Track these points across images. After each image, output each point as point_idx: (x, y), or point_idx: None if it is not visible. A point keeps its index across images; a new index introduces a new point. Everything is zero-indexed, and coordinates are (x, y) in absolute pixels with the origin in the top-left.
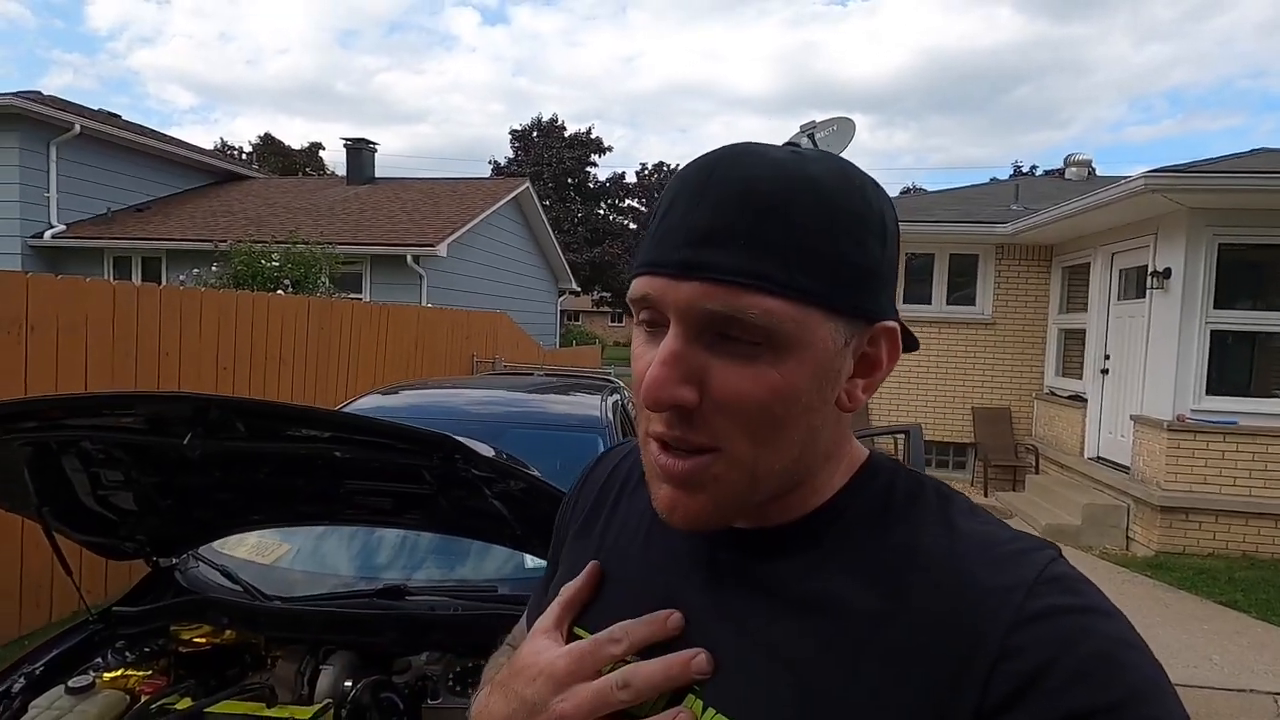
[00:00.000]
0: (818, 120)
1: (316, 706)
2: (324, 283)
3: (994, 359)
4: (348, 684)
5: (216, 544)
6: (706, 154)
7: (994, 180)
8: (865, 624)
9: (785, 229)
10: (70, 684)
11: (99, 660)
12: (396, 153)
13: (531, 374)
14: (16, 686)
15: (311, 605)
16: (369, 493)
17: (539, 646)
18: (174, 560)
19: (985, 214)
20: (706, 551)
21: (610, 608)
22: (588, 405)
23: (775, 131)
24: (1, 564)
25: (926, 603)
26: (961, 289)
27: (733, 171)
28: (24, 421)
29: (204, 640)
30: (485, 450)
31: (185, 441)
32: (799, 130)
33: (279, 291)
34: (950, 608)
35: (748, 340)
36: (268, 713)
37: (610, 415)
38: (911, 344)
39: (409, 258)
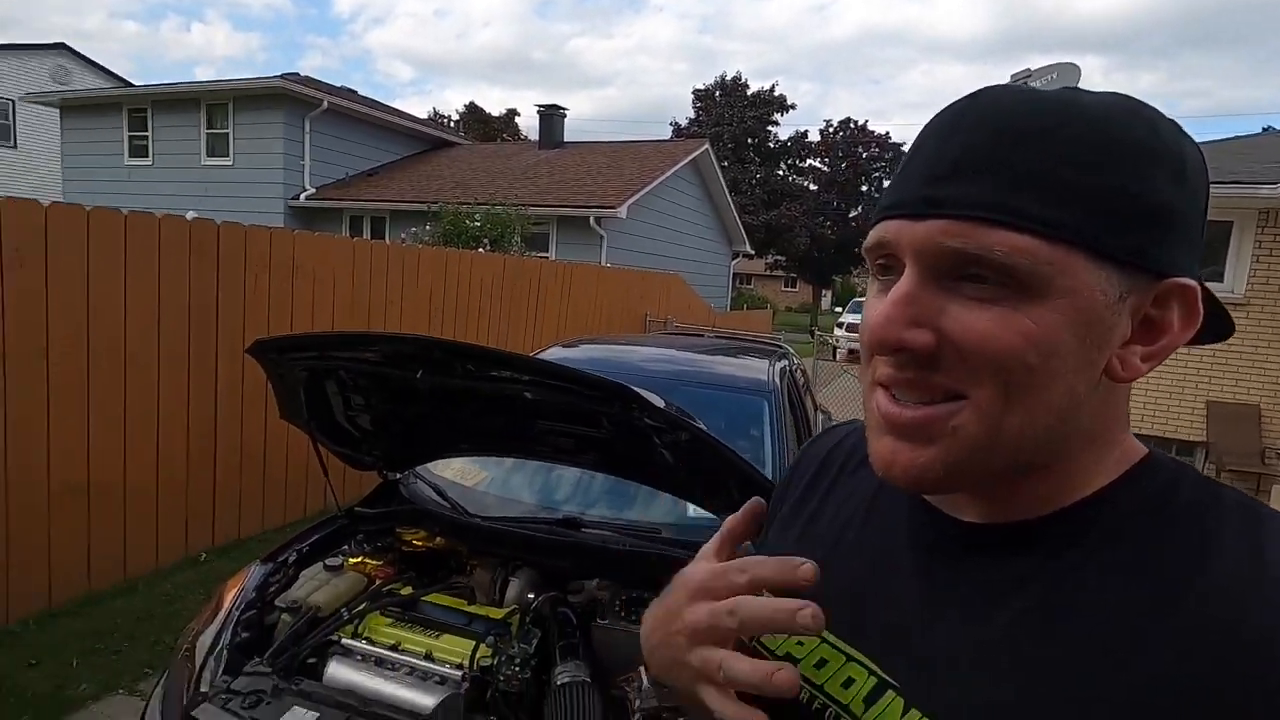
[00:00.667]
0: (1032, 69)
1: (506, 610)
2: (516, 241)
3: (1243, 347)
4: (530, 596)
5: (431, 465)
6: (960, 97)
7: (1269, 130)
8: (1124, 649)
9: (1044, 157)
10: (327, 562)
11: (346, 547)
12: (584, 117)
13: (702, 335)
14: (291, 559)
15: (506, 525)
16: (555, 433)
17: (694, 565)
18: (399, 475)
19: (1247, 172)
20: (930, 536)
21: (816, 594)
22: (755, 369)
23: (983, 80)
24: (276, 466)
25: (1210, 646)
26: (1205, 262)
27: (988, 105)
28: (302, 351)
29: (420, 544)
30: (657, 402)
31: (418, 375)
32: (1009, 80)
33: (479, 249)
34: (1241, 665)
35: (995, 282)
36: (468, 608)
37: (777, 380)
38: (1222, 322)
39: (591, 219)
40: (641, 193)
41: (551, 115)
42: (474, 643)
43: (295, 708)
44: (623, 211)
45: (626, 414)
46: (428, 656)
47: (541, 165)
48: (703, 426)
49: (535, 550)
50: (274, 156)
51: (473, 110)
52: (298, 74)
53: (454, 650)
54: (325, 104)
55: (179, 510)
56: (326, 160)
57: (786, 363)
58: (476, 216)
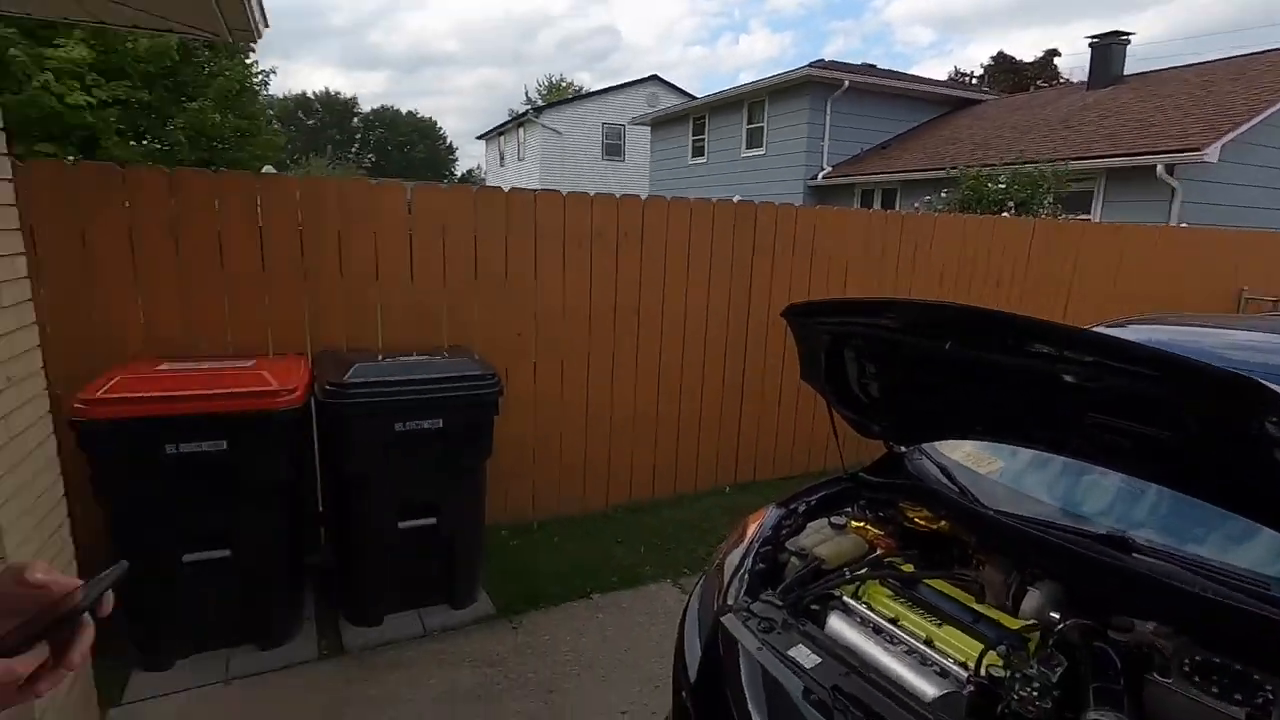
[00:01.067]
0: None
1: (1025, 622)
2: (1048, 203)
3: None
4: (1054, 615)
5: (940, 444)
6: None
7: None
8: None
9: None
10: (832, 519)
11: (849, 509)
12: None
13: None
14: (800, 508)
15: (1028, 526)
16: (1109, 429)
17: None
18: (905, 448)
19: None
20: None
21: None
22: None
23: None
24: (788, 421)
25: None
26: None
27: None
28: (829, 316)
29: (923, 523)
30: None
31: (946, 346)
32: None
33: (1003, 214)
34: None
35: None
36: (977, 606)
37: None
38: None
39: (1159, 168)
40: (1244, 127)
41: (1107, 46)
42: (983, 646)
43: (801, 645)
44: (1212, 154)
45: (1242, 418)
46: (928, 642)
47: (1088, 110)
48: None
49: (1062, 561)
50: (798, 141)
51: (1000, 61)
52: (822, 60)
53: (958, 646)
54: (846, 84)
55: (712, 447)
56: (842, 138)
57: None
58: (1001, 178)
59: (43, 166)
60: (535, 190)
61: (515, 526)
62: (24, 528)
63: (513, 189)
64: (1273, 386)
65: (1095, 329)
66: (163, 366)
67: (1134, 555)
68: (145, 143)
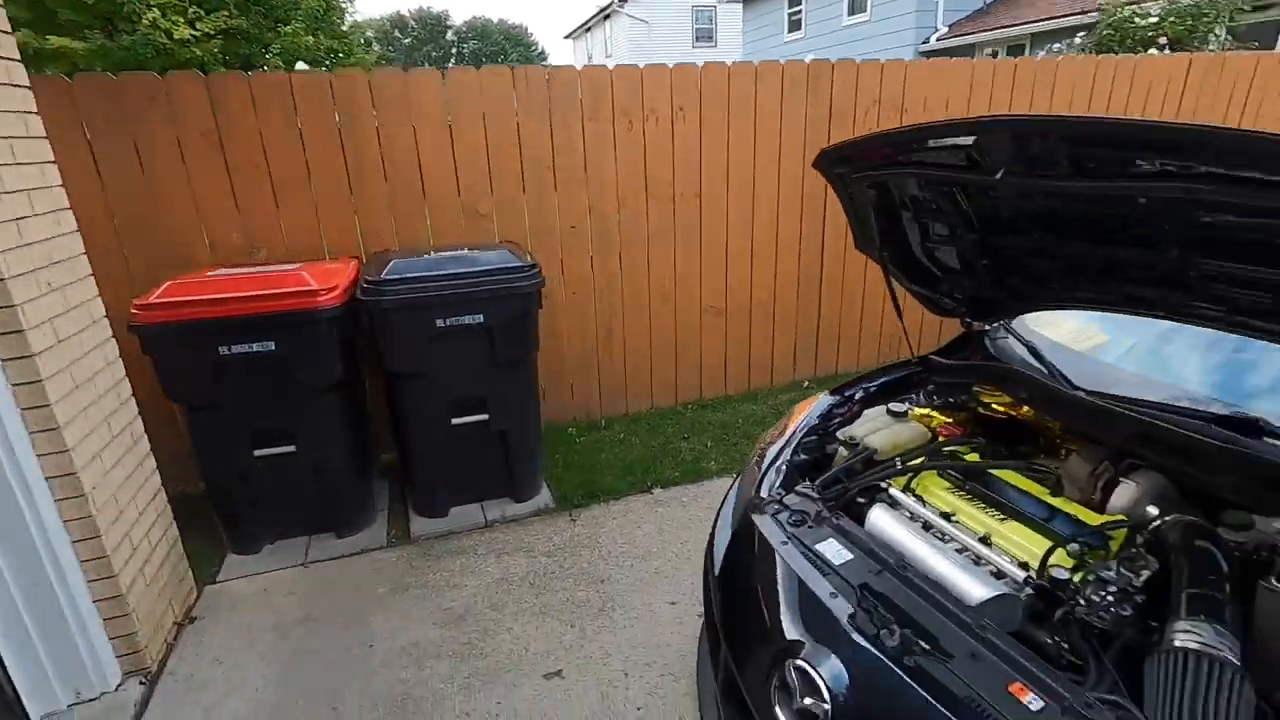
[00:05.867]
0: None
1: (1109, 518)
2: (1215, 36)
3: None
4: (1151, 510)
5: (1030, 320)
6: None
7: None
8: None
9: None
10: (891, 406)
11: (913, 396)
12: None
13: None
14: (857, 395)
15: (1124, 407)
16: (1239, 280)
17: None
18: (986, 326)
19: None
20: None
21: None
22: None
23: None
24: (871, 310)
25: None
26: None
27: None
28: (865, 155)
29: (1001, 409)
30: None
31: (998, 177)
32: None
33: (1150, 52)
34: None
35: None
36: (1052, 500)
37: None
38: None
39: None
40: None
41: None
42: (1051, 544)
43: (831, 540)
44: None
45: None
46: (984, 540)
47: None
48: None
49: (1169, 449)
50: (907, 1)
51: None
52: None
53: (1021, 544)
54: None
55: (789, 339)
56: None
57: None
58: (1152, 12)
59: (88, 79)
60: (579, 67)
61: (582, 424)
62: (86, 424)
63: (554, 67)
64: None
65: None
66: (215, 272)
67: (1266, 440)
68: (249, 73)
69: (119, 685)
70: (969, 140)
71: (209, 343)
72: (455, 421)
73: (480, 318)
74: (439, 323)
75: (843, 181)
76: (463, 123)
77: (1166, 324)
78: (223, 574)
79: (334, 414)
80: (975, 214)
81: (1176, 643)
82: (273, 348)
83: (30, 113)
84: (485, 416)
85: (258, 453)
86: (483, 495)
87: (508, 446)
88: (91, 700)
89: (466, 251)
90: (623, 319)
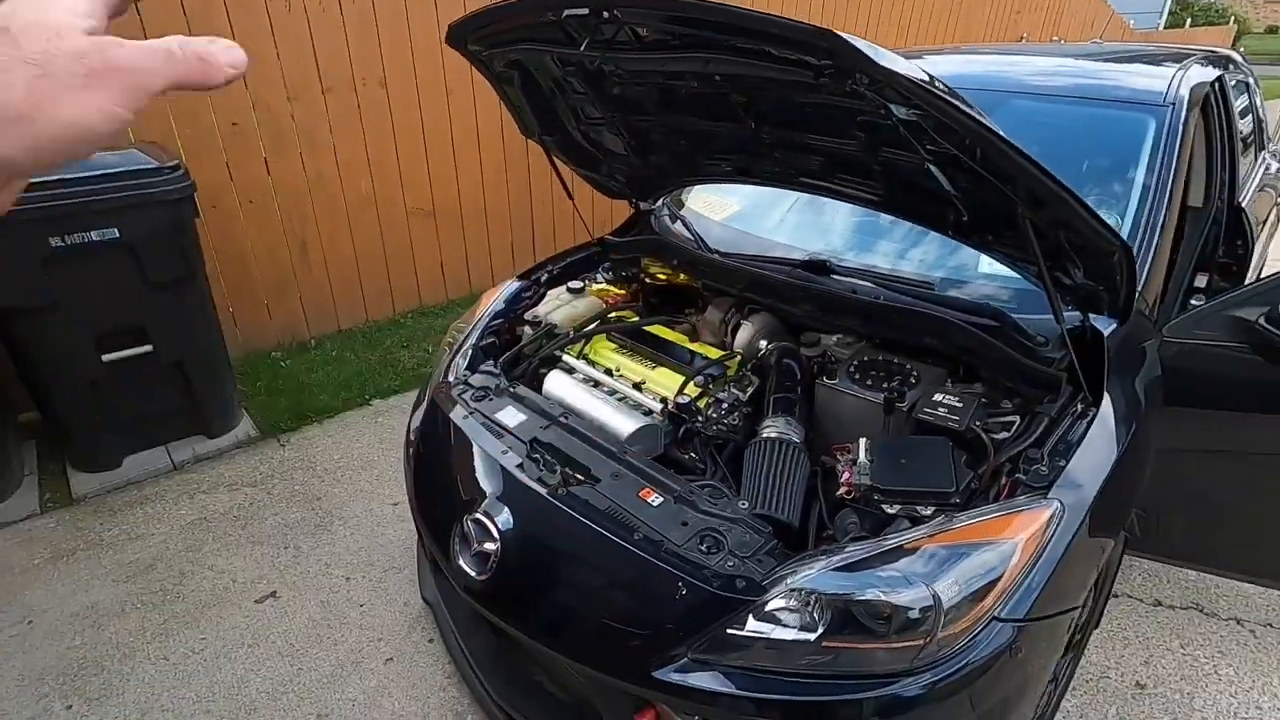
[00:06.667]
0: None
1: (725, 353)
2: None
3: None
4: (763, 344)
5: (688, 199)
6: None
7: None
8: None
9: None
10: (570, 285)
11: (593, 275)
12: None
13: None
14: (542, 278)
15: (742, 263)
16: (795, 145)
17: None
18: (651, 204)
19: None
20: None
21: None
22: (1148, 76)
23: None
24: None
25: None
26: None
27: None
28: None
29: (662, 276)
30: (906, 69)
31: (581, 49)
32: None
33: None
34: None
35: None
36: (689, 345)
37: (1183, 91)
38: None
39: None
40: None
41: None
42: (683, 379)
43: (509, 407)
44: None
45: (865, 97)
46: (638, 386)
47: None
48: (993, 125)
49: (770, 292)
50: None
51: None
52: None
53: (665, 384)
54: None
55: (505, 237)
56: None
57: (1216, 72)
58: None
59: None
60: None
61: (288, 346)
62: None
63: None
64: (864, 43)
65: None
66: None
67: (832, 276)
68: None
69: None
70: (558, 16)
71: None
72: (107, 358)
73: (115, 232)
74: (54, 241)
75: (480, 60)
76: None
77: (771, 189)
78: None
79: None
80: (607, 94)
81: (763, 435)
82: None
83: None
84: (149, 348)
85: None
86: (166, 437)
87: (188, 378)
88: None
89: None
90: (318, 228)
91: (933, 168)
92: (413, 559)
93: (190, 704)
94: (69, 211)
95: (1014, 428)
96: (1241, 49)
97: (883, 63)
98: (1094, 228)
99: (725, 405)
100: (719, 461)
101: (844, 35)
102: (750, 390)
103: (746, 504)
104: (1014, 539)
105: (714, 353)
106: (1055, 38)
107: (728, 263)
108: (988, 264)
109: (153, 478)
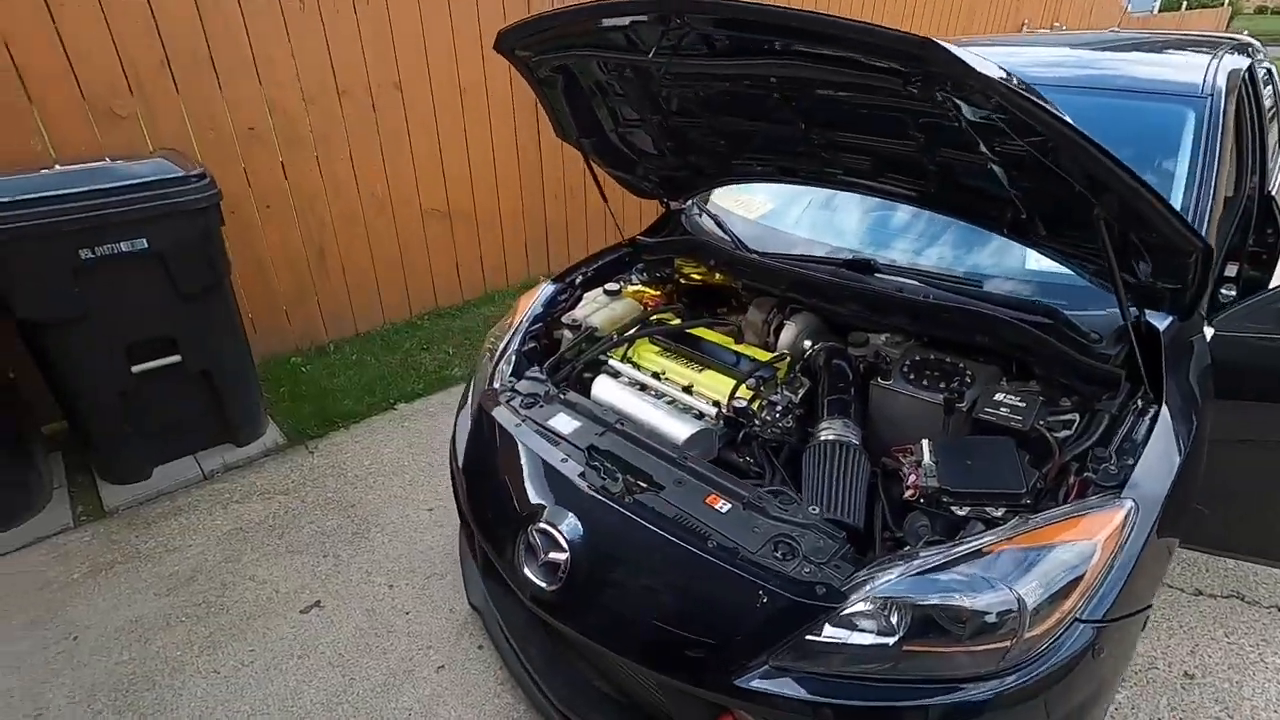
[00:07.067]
0: None
1: (774, 354)
2: None
3: None
4: (807, 344)
5: (716, 196)
6: None
7: None
8: None
9: None
10: (606, 287)
11: (626, 275)
12: None
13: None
14: (577, 280)
15: (783, 262)
16: (845, 147)
17: None
18: (682, 204)
19: None
20: None
21: None
22: (1182, 67)
23: None
24: (596, 199)
25: None
26: None
27: None
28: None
29: (699, 277)
30: (993, 71)
31: (649, 57)
32: None
33: None
34: None
35: None
36: (735, 347)
37: (1220, 81)
38: None
39: None
40: None
41: None
42: (735, 382)
43: (561, 414)
44: None
45: (930, 90)
46: (688, 389)
47: None
48: (1079, 129)
49: (814, 291)
50: None
51: None
52: None
53: (715, 387)
54: None
55: (519, 237)
56: None
57: (1244, 60)
58: None
59: None
60: None
61: (308, 351)
62: None
63: None
64: (964, 51)
65: None
66: None
67: (877, 275)
68: None
69: None
70: (625, 21)
71: None
72: (137, 369)
73: (144, 242)
74: (84, 253)
75: (527, 66)
76: (70, 4)
77: (814, 189)
78: None
79: None
80: (653, 97)
81: (820, 437)
82: None
83: None
84: (178, 358)
85: None
86: (194, 446)
87: (214, 387)
88: None
89: (109, 163)
90: (335, 232)
91: (996, 168)
92: (454, 564)
93: (245, 717)
94: (98, 223)
95: (1074, 426)
96: (1246, 32)
97: (983, 71)
98: (1176, 228)
99: (779, 408)
100: (777, 465)
101: (945, 45)
102: (802, 392)
103: (817, 509)
104: (1093, 539)
105: (761, 354)
106: (1056, 24)
107: (769, 262)
108: (1034, 260)
109: (183, 488)
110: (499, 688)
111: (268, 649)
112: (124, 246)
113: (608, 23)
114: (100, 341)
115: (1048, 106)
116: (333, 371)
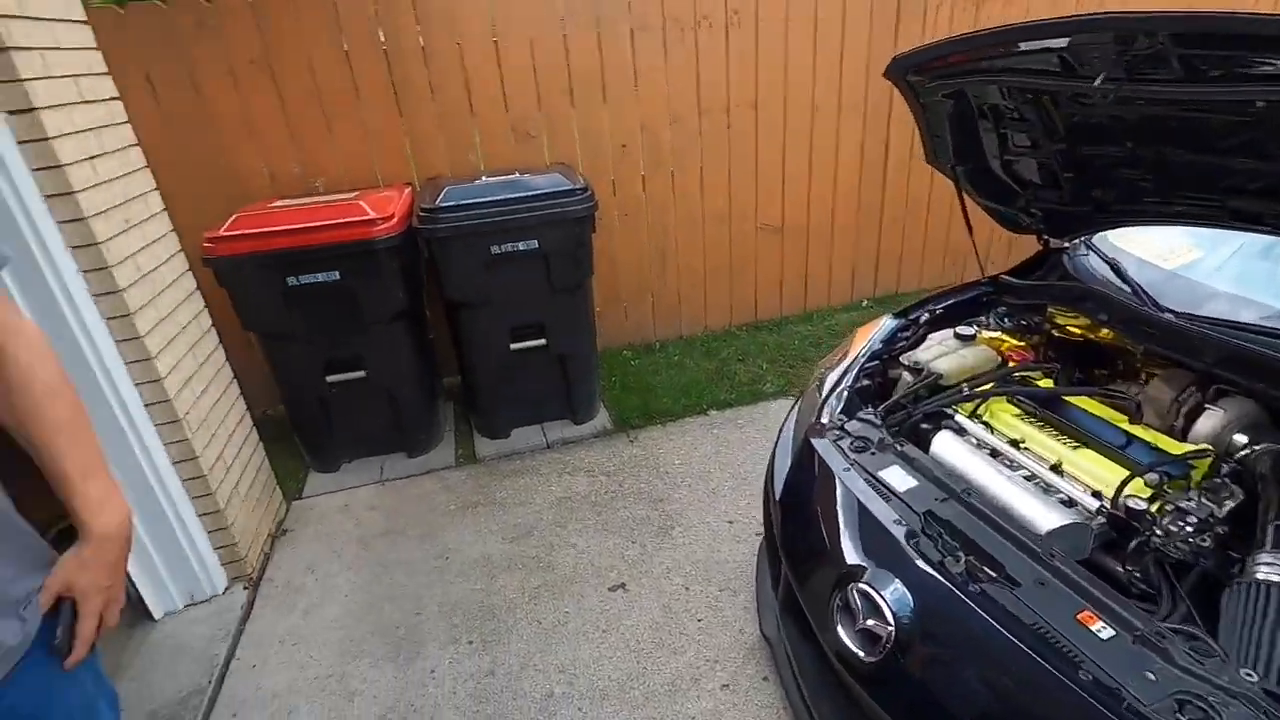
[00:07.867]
0: None
1: (1192, 447)
2: None
3: None
4: (1239, 438)
5: (1113, 235)
6: None
7: None
8: None
9: None
10: (958, 330)
11: (982, 318)
12: None
13: None
14: (923, 318)
15: (1213, 329)
16: None
17: None
18: (1065, 243)
19: None
20: None
21: None
22: None
23: None
24: (938, 225)
25: None
26: None
27: None
28: (946, 61)
29: (1078, 331)
30: None
31: (1097, 84)
32: None
33: None
34: None
35: None
36: (1129, 427)
37: None
38: None
39: None
40: None
41: None
42: (1128, 473)
43: (895, 467)
44: None
45: None
46: (1055, 468)
47: None
48: None
49: (1256, 373)
50: None
51: None
52: None
53: (1094, 473)
54: None
55: (848, 257)
56: None
57: None
58: None
59: (139, 11)
60: None
61: (637, 346)
62: (173, 355)
63: None
64: None
65: None
66: (277, 203)
67: None
68: None
69: (226, 589)
70: (1063, 43)
71: (278, 274)
72: (514, 347)
73: (535, 243)
74: (494, 249)
75: (916, 91)
76: (508, 38)
77: (1267, 239)
78: (307, 490)
79: (400, 341)
80: (1063, 123)
81: (1259, 575)
82: (338, 277)
83: (91, 48)
84: (544, 341)
85: (331, 378)
86: (543, 417)
87: (566, 370)
88: (203, 602)
89: (518, 175)
90: (676, 240)
91: None
92: (747, 584)
93: (556, 672)
94: (507, 226)
95: None
96: None
97: None
98: None
99: (1193, 519)
100: (1182, 594)
101: None
102: (1229, 505)
103: (1254, 675)
104: None
105: (1170, 444)
106: None
107: (1190, 326)
108: None
109: (531, 451)
110: None
111: (580, 614)
112: (521, 246)
113: (1029, 46)
114: (494, 322)
115: None
116: (656, 369)
